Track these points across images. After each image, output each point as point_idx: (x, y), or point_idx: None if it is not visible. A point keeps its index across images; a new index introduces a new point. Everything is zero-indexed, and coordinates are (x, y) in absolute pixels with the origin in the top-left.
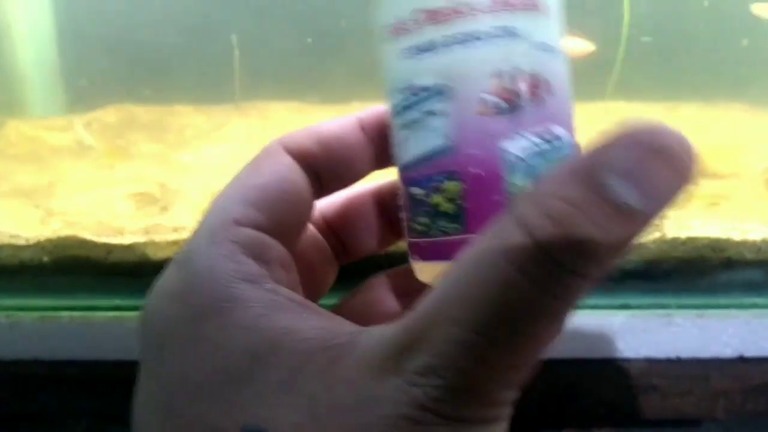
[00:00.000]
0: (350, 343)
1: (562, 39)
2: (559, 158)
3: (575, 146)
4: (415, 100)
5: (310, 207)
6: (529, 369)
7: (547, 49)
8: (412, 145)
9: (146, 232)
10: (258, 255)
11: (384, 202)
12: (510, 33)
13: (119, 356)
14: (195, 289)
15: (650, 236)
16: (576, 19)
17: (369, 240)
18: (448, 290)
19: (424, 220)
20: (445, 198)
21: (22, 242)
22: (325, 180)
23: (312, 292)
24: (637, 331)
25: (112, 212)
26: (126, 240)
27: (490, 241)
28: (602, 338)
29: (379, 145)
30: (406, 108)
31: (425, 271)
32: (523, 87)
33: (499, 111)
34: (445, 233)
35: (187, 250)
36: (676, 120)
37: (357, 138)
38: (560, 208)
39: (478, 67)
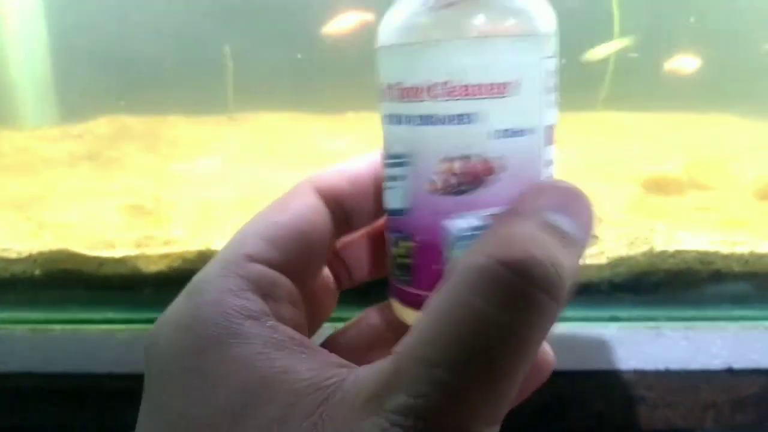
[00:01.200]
0: (339, 383)
1: (535, 116)
2: None
3: None
4: (390, 161)
5: (327, 247)
6: (510, 402)
7: (510, 133)
8: (388, 198)
9: (138, 244)
10: (266, 292)
11: (376, 234)
12: (468, 119)
13: (111, 369)
14: (200, 321)
15: (639, 249)
16: (567, 33)
17: (375, 267)
18: (422, 331)
19: (391, 266)
20: (401, 253)
21: (13, 255)
22: (355, 217)
23: (314, 320)
24: (626, 343)
25: (104, 224)
26: (117, 253)
27: (456, 280)
28: (592, 350)
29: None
30: (386, 165)
31: (397, 309)
32: (470, 172)
33: (444, 192)
34: (405, 282)
35: (198, 279)
36: (667, 130)
37: (377, 183)
38: (519, 239)
39: (431, 147)
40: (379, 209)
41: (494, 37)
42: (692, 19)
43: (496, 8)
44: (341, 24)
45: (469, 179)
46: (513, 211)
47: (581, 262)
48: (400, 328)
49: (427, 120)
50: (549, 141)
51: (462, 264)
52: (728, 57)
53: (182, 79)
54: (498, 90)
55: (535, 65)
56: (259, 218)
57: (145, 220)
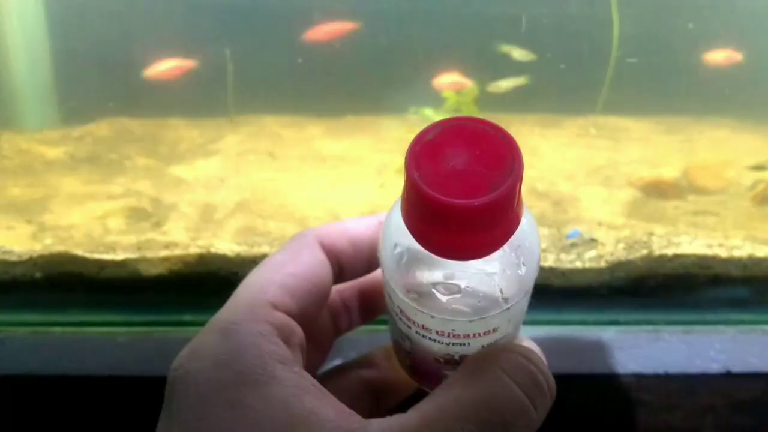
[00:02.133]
0: (362, 428)
1: (518, 323)
2: None
3: None
4: (398, 322)
5: (328, 296)
6: None
7: (493, 344)
8: (391, 325)
9: (138, 248)
10: (286, 339)
11: (365, 291)
12: (463, 344)
13: (112, 372)
14: (241, 360)
15: (638, 253)
16: (567, 37)
17: (372, 314)
18: (456, 395)
19: (396, 347)
20: (404, 363)
21: (14, 258)
22: (348, 272)
23: (311, 364)
24: (625, 346)
25: (104, 227)
26: (118, 256)
27: (486, 359)
28: (591, 354)
29: None
30: (395, 311)
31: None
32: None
33: (446, 366)
34: (407, 367)
35: (229, 318)
36: (666, 135)
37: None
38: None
39: (434, 349)
40: (368, 270)
41: (487, 313)
42: (691, 25)
43: (491, 292)
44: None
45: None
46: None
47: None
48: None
49: (430, 339)
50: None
51: (488, 353)
52: (728, 60)
53: (183, 81)
54: (490, 332)
55: (521, 309)
56: (274, 266)
57: (146, 223)
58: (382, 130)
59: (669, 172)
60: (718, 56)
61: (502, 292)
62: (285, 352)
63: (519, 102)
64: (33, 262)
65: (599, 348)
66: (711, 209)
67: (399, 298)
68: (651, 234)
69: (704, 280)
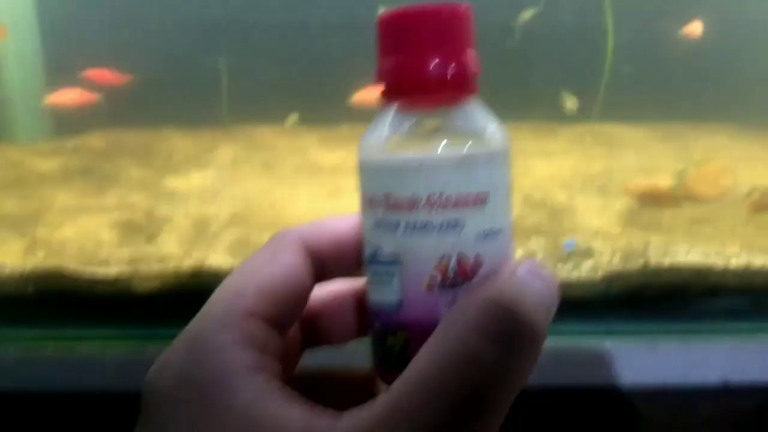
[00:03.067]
0: (331, 427)
1: (506, 217)
2: None
3: None
4: (379, 261)
5: (307, 300)
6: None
7: (489, 234)
8: (377, 292)
9: (131, 262)
10: (261, 346)
11: (362, 299)
12: (458, 225)
13: (105, 388)
14: (203, 373)
15: (634, 264)
16: (563, 46)
17: (340, 333)
18: (422, 368)
19: (380, 352)
20: (398, 342)
21: (6, 273)
22: (333, 270)
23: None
24: (622, 357)
25: (97, 241)
26: (111, 271)
27: (452, 319)
28: (588, 365)
29: None
30: (373, 263)
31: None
32: (462, 269)
33: (441, 286)
34: (396, 370)
35: (199, 328)
36: (662, 142)
37: (358, 241)
38: (508, 286)
39: (427, 250)
40: (351, 269)
41: (474, 156)
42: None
43: (472, 132)
44: None
45: (463, 275)
46: (496, 273)
47: (550, 320)
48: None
49: (421, 228)
50: (512, 232)
51: (458, 306)
52: (723, 69)
53: (178, 92)
54: (480, 200)
55: (505, 176)
56: (252, 268)
57: (139, 236)
58: None
59: (665, 179)
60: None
61: (485, 134)
62: (255, 360)
63: (515, 109)
64: (25, 277)
65: (596, 359)
66: (707, 218)
67: (380, 194)
68: (647, 244)
69: (701, 290)
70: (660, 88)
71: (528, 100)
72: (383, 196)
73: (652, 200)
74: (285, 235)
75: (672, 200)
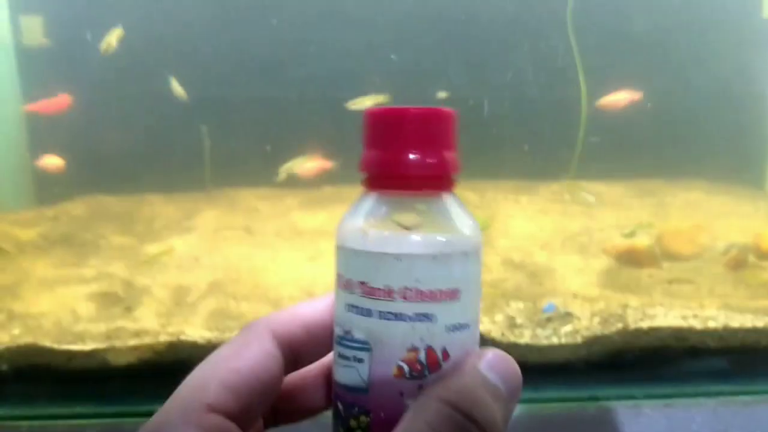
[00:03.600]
0: None
1: (475, 311)
2: None
3: None
4: (349, 344)
5: (278, 392)
6: None
7: (457, 327)
8: (344, 374)
9: (108, 337)
10: None
11: (329, 373)
12: (430, 318)
13: None
14: None
15: (613, 327)
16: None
17: (308, 409)
18: None
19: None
20: (361, 426)
21: None
22: (302, 361)
23: None
24: (607, 422)
25: (74, 315)
26: (87, 346)
27: (412, 416)
28: (573, 430)
29: None
30: (342, 345)
31: None
32: (431, 360)
33: (409, 376)
34: None
35: (161, 420)
36: (638, 198)
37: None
38: (466, 389)
39: (397, 339)
40: (326, 352)
41: (449, 254)
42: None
43: (448, 228)
44: None
45: (431, 366)
46: (459, 368)
47: (512, 413)
48: None
49: (394, 317)
50: (479, 323)
51: (420, 404)
52: (698, 124)
53: (161, 157)
54: (452, 295)
55: (476, 272)
56: (217, 362)
57: (117, 309)
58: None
59: (642, 239)
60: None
61: (461, 231)
62: None
63: (493, 168)
64: (0, 354)
65: (580, 426)
66: (685, 277)
67: (355, 280)
68: (626, 306)
69: (681, 352)
70: (632, 149)
71: (509, 161)
72: (358, 283)
73: (629, 260)
74: (255, 324)
75: (650, 259)
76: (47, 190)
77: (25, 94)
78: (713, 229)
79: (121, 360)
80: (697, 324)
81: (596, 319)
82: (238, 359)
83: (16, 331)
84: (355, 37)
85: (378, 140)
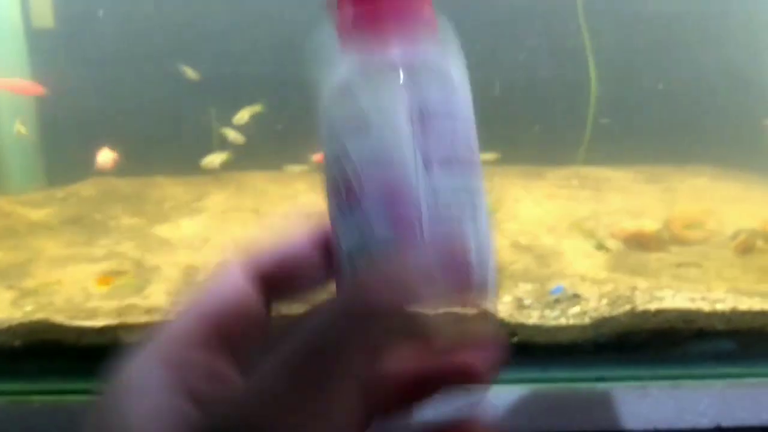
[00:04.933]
0: None
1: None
2: None
3: None
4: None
5: (266, 322)
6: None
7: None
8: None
9: (119, 314)
10: (194, 391)
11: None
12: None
13: None
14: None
15: (621, 309)
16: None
17: (302, 291)
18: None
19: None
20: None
21: None
22: (280, 293)
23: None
24: (613, 403)
25: (86, 292)
26: (98, 323)
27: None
28: (579, 412)
29: (328, 259)
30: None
31: None
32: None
33: None
34: None
35: (136, 373)
36: (647, 184)
37: (310, 256)
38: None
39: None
40: (306, 288)
41: None
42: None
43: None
44: None
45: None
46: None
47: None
48: None
49: None
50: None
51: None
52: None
53: (170, 139)
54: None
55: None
56: (196, 305)
57: (128, 287)
58: None
59: (650, 223)
60: None
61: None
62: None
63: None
64: (12, 330)
65: (587, 406)
66: (693, 260)
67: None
68: (634, 288)
69: (689, 334)
70: (641, 133)
71: (518, 145)
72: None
73: (637, 243)
74: (226, 265)
75: (658, 243)
76: (58, 171)
77: (35, 75)
78: (722, 215)
79: (132, 337)
80: (705, 306)
81: (604, 301)
82: (214, 301)
83: (28, 308)
84: None
85: None
